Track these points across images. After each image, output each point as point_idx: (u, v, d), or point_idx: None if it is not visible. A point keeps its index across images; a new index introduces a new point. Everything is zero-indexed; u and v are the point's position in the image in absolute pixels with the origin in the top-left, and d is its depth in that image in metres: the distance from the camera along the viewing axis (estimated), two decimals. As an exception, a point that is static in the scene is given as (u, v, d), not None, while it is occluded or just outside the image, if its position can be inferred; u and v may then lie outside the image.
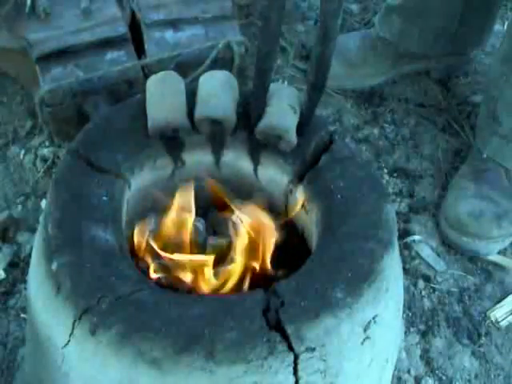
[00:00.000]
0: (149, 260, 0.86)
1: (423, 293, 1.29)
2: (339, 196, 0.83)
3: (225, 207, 0.92)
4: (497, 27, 1.64)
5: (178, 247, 0.86)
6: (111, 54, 1.28)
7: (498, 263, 1.34)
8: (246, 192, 0.94)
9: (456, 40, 1.54)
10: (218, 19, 1.34)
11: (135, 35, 1.32)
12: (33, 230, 1.29)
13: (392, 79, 1.62)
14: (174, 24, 1.32)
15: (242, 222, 0.87)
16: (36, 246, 0.82)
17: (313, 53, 0.83)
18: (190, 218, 0.87)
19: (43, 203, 1.33)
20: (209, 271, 0.83)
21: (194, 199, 0.88)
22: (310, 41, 1.69)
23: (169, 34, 1.31)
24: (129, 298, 0.71)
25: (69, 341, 0.72)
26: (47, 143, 1.42)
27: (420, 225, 1.39)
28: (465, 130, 1.55)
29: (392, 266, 0.79)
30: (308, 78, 0.86)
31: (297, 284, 0.74)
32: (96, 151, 0.85)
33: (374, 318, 0.74)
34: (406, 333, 1.23)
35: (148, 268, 0.84)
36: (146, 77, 1.05)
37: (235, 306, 0.72)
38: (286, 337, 0.69)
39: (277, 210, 0.95)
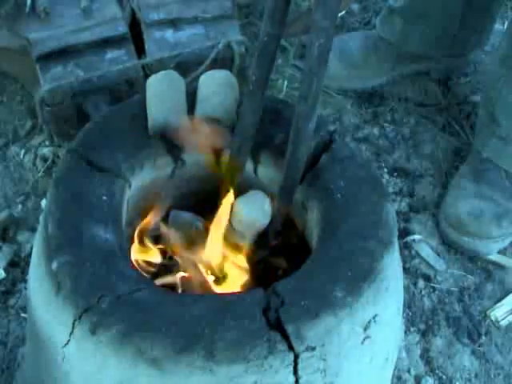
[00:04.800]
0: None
1: (423, 292, 1.29)
2: (339, 196, 0.83)
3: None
4: (497, 26, 1.63)
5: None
6: (111, 54, 1.28)
7: (497, 263, 1.34)
8: (245, 191, 0.94)
9: (457, 41, 1.55)
10: (218, 19, 1.34)
11: (135, 35, 1.32)
12: (33, 230, 1.29)
13: (392, 79, 1.62)
14: (175, 24, 1.32)
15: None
16: (36, 245, 0.82)
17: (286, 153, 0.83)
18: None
19: (43, 203, 1.33)
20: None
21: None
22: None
23: (169, 34, 1.32)
24: (129, 298, 0.71)
25: (69, 340, 0.72)
26: (47, 143, 1.42)
27: (420, 224, 1.39)
28: (465, 129, 1.55)
29: (392, 265, 0.79)
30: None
31: (297, 283, 0.74)
32: (96, 151, 0.85)
33: (374, 318, 0.74)
34: (406, 332, 1.23)
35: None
36: (147, 76, 1.05)
37: (235, 306, 0.72)
38: (286, 336, 0.69)
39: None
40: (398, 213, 1.37)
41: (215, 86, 0.90)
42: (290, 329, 0.69)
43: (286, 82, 1.59)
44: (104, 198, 0.81)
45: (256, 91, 0.83)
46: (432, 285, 1.30)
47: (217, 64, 1.26)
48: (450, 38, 1.53)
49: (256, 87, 0.82)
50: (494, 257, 1.34)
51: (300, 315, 0.70)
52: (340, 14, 1.71)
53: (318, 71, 0.76)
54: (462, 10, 1.48)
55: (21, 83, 1.51)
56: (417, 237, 1.36)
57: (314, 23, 0.74)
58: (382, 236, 0.79)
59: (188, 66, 1.24)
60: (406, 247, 1.34)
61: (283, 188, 0.85)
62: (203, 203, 0.93)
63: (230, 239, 0.87)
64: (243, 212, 0.86)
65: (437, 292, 1.29)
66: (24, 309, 1.18)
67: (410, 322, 1.24)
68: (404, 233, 1.36)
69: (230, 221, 0.87)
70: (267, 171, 0.92)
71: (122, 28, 1.29)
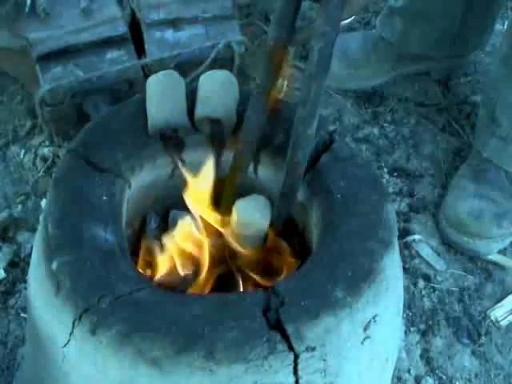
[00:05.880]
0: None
1: (423, 292, 1.29)
2: (339, 196, 0.83)
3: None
4: (497, 27, 1.63)
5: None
6: (111, 54, 1.28)
7: (497, 263, 1.34)
8: (245, 191, 0.94)
9: (457, 41, 1.55)
10: (218, 19, 1.34)
11: (135, 35, 1.32)
12: (33, 230, 1.29)
13: (392, 79, 1.62)
14: (174, 24, 1.33)
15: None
16: (36, 245, 0.82)
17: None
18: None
19: (43, 203, 1.33)
20: None
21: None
22: (309, 40, 1.68)
23: (169, 34, 1.32)
24: (129, 298, 0.71)
25: (69, 340, 0.72)
26: (47, 143, 1.42)
27: (420, 224, 1.39)
28: (465, 129, 1.55)
29: (392, 265, 0.79)
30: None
31: (297, 283, 0.74)
32: (96, 151, 0.85)
33: (373, 318, 0.74)
34: (406, 332, 1.23)
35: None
36: (146, 76, 1.05)
37: (235, 306, 0.72)
38: (286, 336, 0.69)
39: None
40: (397, 213, 1.37)
41: (215, 85, 0.90)
42: (289, 329, 0.69)
43: (285, 82, 1.59)
44: (104, 197, 0.81)
45: (261, 95, 0.82)
46: (432, 285, 1.30)
47: (217, 64, 1.26)
48: (451, 38, 1.53)
49: (261, 90, 0.82)
50: (494, 257, 1.34)
51: (300, 315, 0.70)
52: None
53: (318, 76, 0.76)
54: (462, 11, 1.47)
55: (21, 83, 1.51)
56: (417, 237, 1.36)
57: (316, 29, 0.74)
58: (382, 236, 0.79)
59: (188, 66, 1.24)
60: (406, 247, 1.34)
61: (283, 193, 0.85)
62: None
63: (232, 243, 0.87)
64: (242, 214, 0.86)
65: (437, 292, 1.29)
66: (24, 309, 1.18)
67: (410, 322, 1.24)
68: (404, 233, 1.36)
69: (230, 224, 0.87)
70: (267, 171, 0.92)
71: (122, 28, 1.30)
